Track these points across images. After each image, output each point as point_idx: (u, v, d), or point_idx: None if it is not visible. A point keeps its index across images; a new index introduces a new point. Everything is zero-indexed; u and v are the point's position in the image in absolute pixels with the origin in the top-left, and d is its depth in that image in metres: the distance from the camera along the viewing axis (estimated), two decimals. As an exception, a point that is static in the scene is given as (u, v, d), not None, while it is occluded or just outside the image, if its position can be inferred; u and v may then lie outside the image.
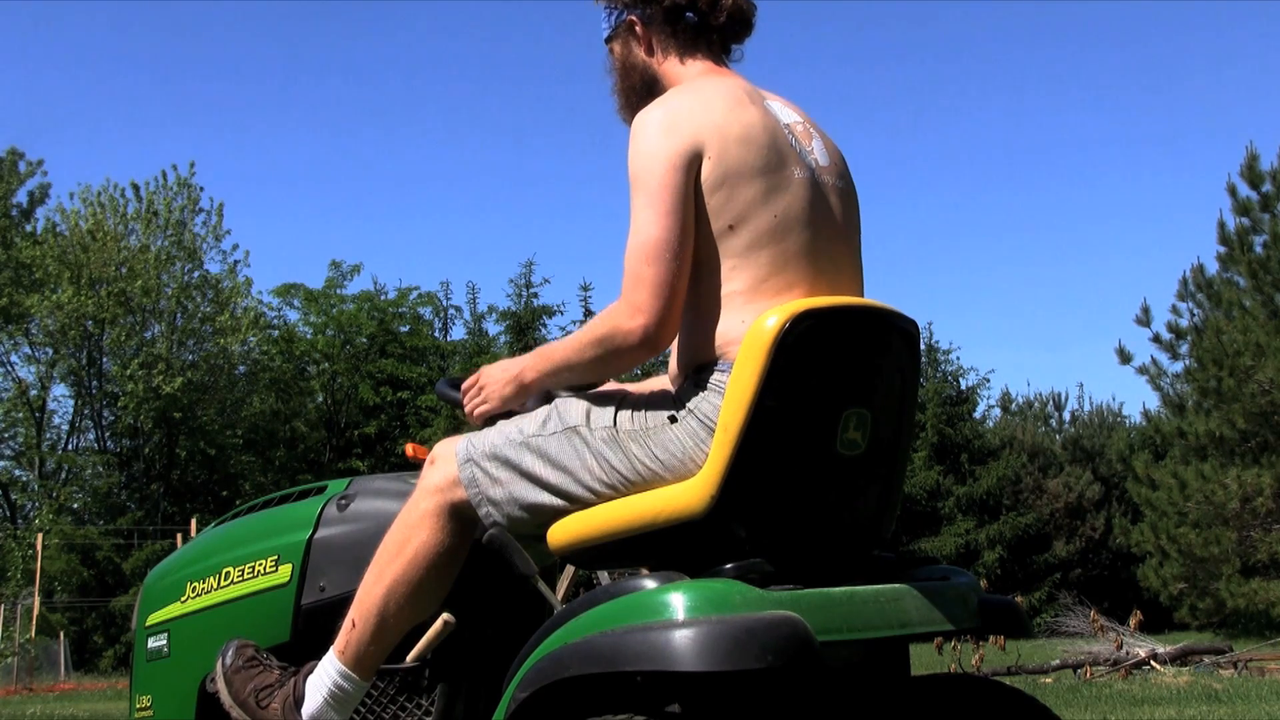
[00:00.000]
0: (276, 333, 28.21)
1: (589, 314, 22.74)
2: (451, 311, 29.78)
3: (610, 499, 1.97)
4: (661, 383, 2.18)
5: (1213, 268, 17.82)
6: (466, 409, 2.18)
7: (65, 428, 27.46)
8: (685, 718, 1.81)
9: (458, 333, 29.54)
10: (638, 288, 1.93)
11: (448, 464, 2.08)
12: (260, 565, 2.40)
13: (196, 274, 26.48)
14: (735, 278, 1.96)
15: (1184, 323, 18.03)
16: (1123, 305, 60.77)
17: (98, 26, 41.96)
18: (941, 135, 48.42)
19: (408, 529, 2.08)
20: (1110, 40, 48.60)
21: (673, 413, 1.95)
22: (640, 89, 2.19)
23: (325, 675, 2.11)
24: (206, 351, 25.96)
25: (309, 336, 28.76)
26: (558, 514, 2.02)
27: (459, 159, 46.94)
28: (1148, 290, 61.31)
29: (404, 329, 29.08)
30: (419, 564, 2.06)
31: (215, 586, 2.45)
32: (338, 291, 28.79)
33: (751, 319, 1.91)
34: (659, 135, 1.97)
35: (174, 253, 26.01)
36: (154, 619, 2.57)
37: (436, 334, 29.97)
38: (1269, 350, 15.56)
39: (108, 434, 26.86)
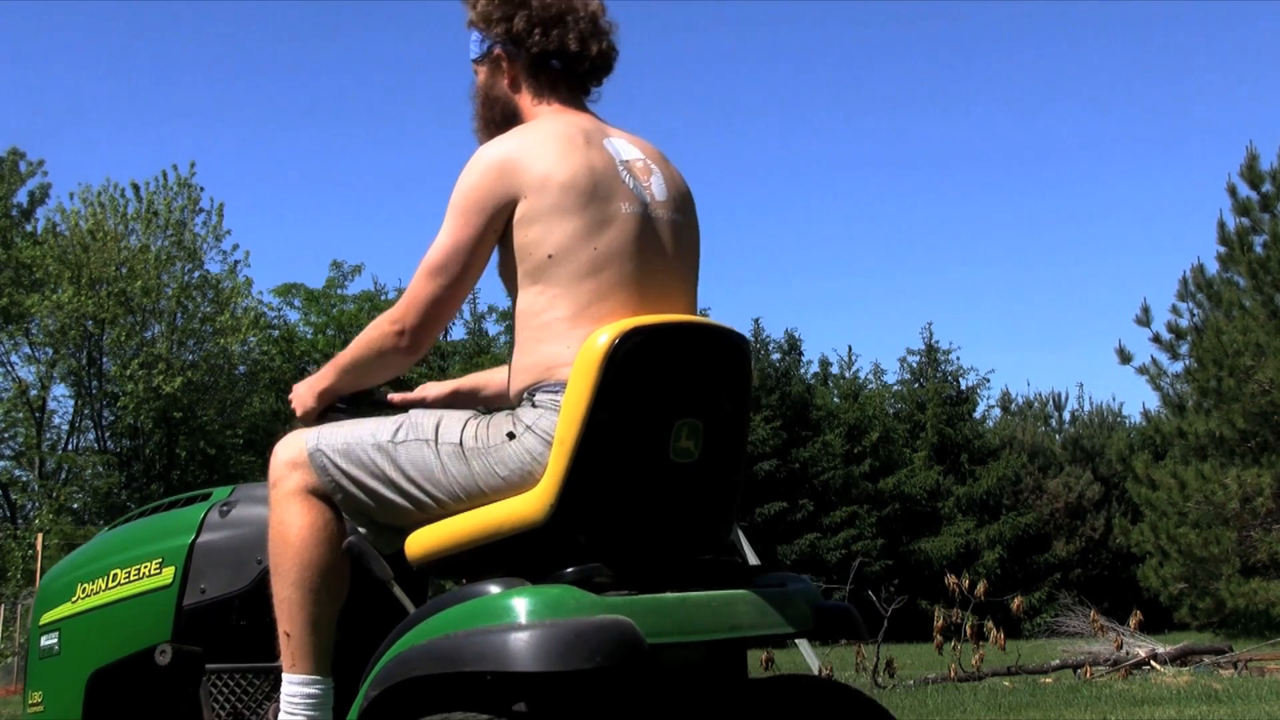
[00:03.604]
0: (277, 333, 28.18)
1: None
2: (451, 311, 29.78)
3: (455, 509, 2.09)
4: (505, 405, 2.27)
5: (1213, 268, 17.89)
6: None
7: (65, 428, 27.41)
8: (530, 716, 1.94)
9: (458, 333, 29.60)
10: (407, 299, 2.15)
11: (293, 451, 2.24)
12: (146, 568, 2.51)
13: (196, 274, 26.40)
14: (558, 305, 2.08)
15: (1184, 323, 18.08)
16: (1123, 305, 60.85)
17: (98, 26, 42.01)
18: (941, 135, 48.47)
19: (281, 524, 2.18)
20: (1110, 40, 48.66)
21: (511, 430, 2.06)
22: (500, 119, 2.31)
23: (292, 695, 2.15)
24: (206, 351, 25.89)
25: (309, 336, 28.75)
26: (406, 514, 2.14)
27: (459, 159, 46.51)
28: (1148, 290, 61.44)
29: (404, 329, 29.00)
30: (308, 546, 2.16)
31: (104, 588, 2.55)
32: (338, 291, 28.80)
33: (576, 343, 2.03)
34: (484, 175, 2.12)
35: (174, 253, 25.93)
36: (47, 618, 2.65)
37: (436, 334, 29.95)
38: (1269, 350, 15.57)
39: (108, 434, 26.83)
